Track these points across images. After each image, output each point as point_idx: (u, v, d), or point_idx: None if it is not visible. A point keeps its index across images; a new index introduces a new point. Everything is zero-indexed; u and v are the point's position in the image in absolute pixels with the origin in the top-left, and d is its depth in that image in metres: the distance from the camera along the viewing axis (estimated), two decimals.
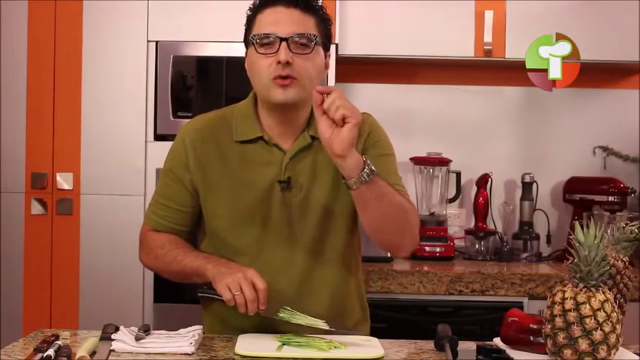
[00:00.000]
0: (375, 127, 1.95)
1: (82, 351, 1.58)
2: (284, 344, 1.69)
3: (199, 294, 1.86)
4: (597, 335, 1.46)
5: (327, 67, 1.88)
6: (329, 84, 2.90)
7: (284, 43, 1.77)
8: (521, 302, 2.82)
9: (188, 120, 2.00)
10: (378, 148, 1.91)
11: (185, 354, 1.64)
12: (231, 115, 1.91)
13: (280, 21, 1.79)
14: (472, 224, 3.36)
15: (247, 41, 1.86)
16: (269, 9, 1.82)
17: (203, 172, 1.87)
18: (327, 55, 1.87)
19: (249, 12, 1.86)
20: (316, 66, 1.83)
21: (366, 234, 1.84)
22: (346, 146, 1.65)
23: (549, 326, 1.50)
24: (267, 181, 1.85)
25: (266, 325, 1.79)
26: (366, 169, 1.68)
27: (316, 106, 1.67)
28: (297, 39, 1.78)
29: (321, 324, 1.74)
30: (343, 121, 1.65)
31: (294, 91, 1.79)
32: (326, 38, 1.86)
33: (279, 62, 1.77)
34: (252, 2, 1.86)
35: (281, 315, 1.75)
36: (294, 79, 1.78)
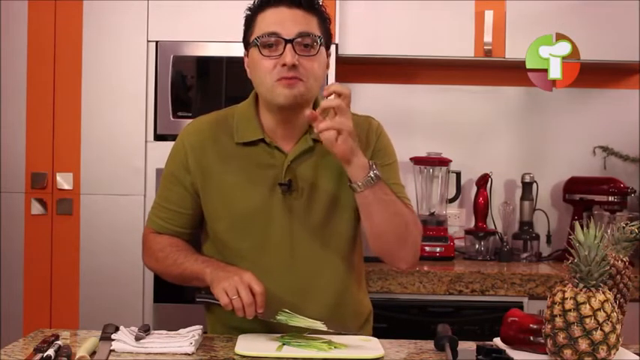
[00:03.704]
0: (382, 133, 1.94)
1: (82, 351, 1.58)
2: (284, 344, 1.69)
3: (197, 299, 1.85)
4: (597, 335, 1.46)
5: (327, 66, 1.88)
6: (329, 84, 2.89)
7: (289, 45, 1.75)
8: (521, 302, 2.82)
9: (188, 120, 1.99)
10: (381, 156, 1.90)
11: (185, 354, 1.64)
12: (232, 116, 1.89)
13: (283, 21, 1.77)
14: (472, 224, 3.36)
15: (247, 42, 1.84)
16: (271, 9, 1.79)
17: (203, 174, 1.86)
18: (328, 55, 1.86)
19: (248, 12, 1.84)
20: (321, 66, 1.82)
21: (367, 240, 1.84)
22: (347, 154, 1.68)
23: (549, 326, 1.50)
24: (268, 183, 1.84)
25: (269, 327, 1.79)
26: (371, 173, 1.71)
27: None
28: (301, 40, 1.77)
29: (320, 325, 1.73)
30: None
31: (299, 90, 1.77)
32: (327, 37, 1.85)
33: (284, 65, 1.75)
34: (250, 2, 1.84)
35: (279, 317, 1.74)
36: (300, 80, 1.77)
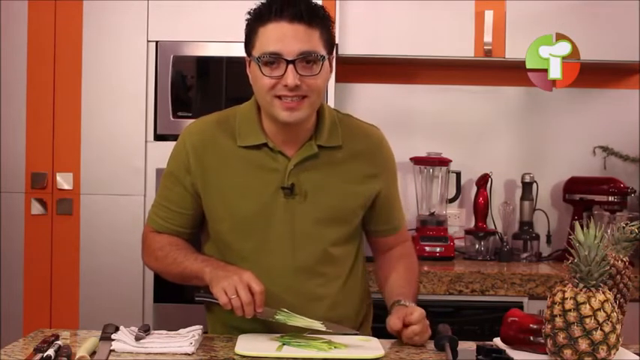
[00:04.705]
0: (387, 150, 1.96)
1: (82, 351, 1.58)
2: (284, 344, 1.69)
3: (197, 298, 1.85)
4: (597, 335, 1.46)
5: (331, 70, 1.84)
6: (329, 85, 2.90)
7: (291, 66, 1.72)
8: (521, 302, 2.82)
9: (188, 120, 1.99)
10: (388, 178, 1.94)
11: (185, 354, 1.64)
12: (234, 117, 1.88)
13: (285, 38, 1.72)
14: (472, 224, 3.35)
15: (249, 52, 1.81)
16: (272, 24, 1.73)
17: (204, 174, 1.86)
18: (330, 59, 1.83)
19: (249, 17, 1.79)
20: (324, 80, 1.79)
21: (369, 245, 1.95)
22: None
23: (549, 326, 1.50)
24: (270, 187, 1.83)
25: (269, 327, 1.79)
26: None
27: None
28: (303, 58, 1.73)
29: (319, 325, 1.73)
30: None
31: (300, 113, 1.76)
32: (330, 45, 1.81)
33: (285, 85, 1.73)
34: (252, 7, 1.79)
35: (278, 317, 1.74)
36: (303, 97, 1.75)
